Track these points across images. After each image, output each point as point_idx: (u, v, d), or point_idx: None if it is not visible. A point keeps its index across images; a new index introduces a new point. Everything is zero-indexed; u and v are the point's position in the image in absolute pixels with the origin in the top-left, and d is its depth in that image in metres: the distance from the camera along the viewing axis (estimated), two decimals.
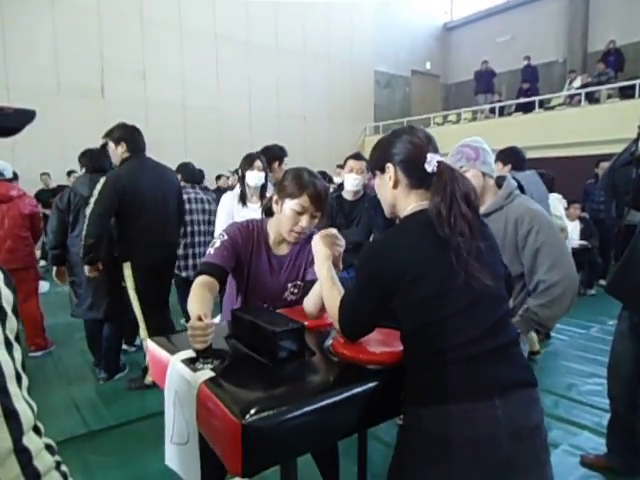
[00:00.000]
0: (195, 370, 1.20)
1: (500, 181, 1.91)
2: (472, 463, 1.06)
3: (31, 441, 0.63)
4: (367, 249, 1.24)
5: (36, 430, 0.66)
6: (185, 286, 4.09)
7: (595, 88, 9.93)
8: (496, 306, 1.16)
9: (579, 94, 10.07)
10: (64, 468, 0.70)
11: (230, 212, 3.18)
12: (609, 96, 9.77)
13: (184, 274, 4.09)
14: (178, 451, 1.28)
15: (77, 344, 4.10)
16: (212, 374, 1.17)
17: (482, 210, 1.81)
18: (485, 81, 13.06)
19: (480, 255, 1.11)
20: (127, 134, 3.10)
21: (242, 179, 3.23)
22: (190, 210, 4.07)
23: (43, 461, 0.64)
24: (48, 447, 0.67)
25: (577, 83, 10.71)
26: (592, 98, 9.98)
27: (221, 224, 3.19)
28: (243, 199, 3.20)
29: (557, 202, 4.20)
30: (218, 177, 8.56)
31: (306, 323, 1.42)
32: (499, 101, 12.13)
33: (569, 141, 9.37)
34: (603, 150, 7.27)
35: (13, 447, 0.60)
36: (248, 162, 3.20)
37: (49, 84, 9.08)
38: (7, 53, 8.63)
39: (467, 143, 1.89)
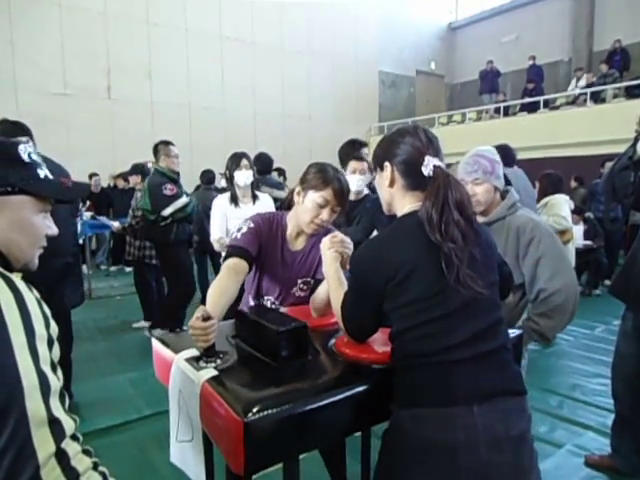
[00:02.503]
0: (198, 369, 1.21)
1: (503, 193, 1.92)
2: (450, 470, 1.05)
3: (69, 445, 0.72)
4: (359, 255, 1.23)
5: (75, 438, 0.75)
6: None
7: (601, 88, 9.88)
8: (487, 312, 1.14)
9: (585, 94, 10.03)
10: (102, 468, 0.78)
11: (224, 214, 3.19)
12: (615, 96, 9.71)
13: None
14: (183, 449, 1.29)
15: (78, 342, 4.14)
16: (215, 373, 1.18)
17: (485, 219, 1.85)
18: (490, 81, 13.02)
19: (473, 262, 1.10)
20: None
21: (231, 180, 3.23)
22: None
23: (81, 462, 0.73)
24: (85, 451, 0.76)
25: (583, 82, 10.66)
26: (598, 98, 9.93)
27: (216, 227, 3.21)
28: (235, 200, 3.21)
29: (564, 202, 4.17)
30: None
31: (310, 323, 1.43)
32: (504, 101, 12.08)
33: (574, 141, 9.33)
34: (608, 150, 7.23)
35: (55, 450, 0.68)
36: (235, 162, 3.20)
37: (56, 85, 9.14)
38: (15, 54, 8.69)
39: (483, 154, 1.87)
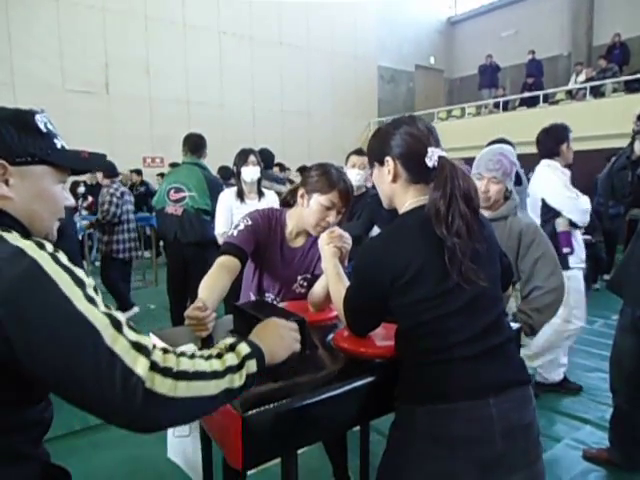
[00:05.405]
0: None
1: (507, 193, 1.99)
2: (466, 462, 1.05)
3: (154, 355, 0.75)
4: (364, 252, 1.22)
5: (154, 347, 0.77)
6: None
7: (600, 82, 9.86)
8: (492, 306, 1.15)
9: (584, 88, 9.99)
10: (184, 349, 0.82)
11: (229, 209, 3.20)
12: (614, 90, 9.69)
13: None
14: (180, 444, 1.29)
15: None
16: None
17: (490, 215, 1.90)
18: (489, 75, 12.99)
19: (476, 256, 1.09)
20: None
21: (238, 175, 3.25)
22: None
23: (169, 360, 0.76)
24: (164, 350, 0.78)
25: (582, 77, 10.63)
26: (597, 92, 9.90)
27: (221, 222, 3.22)
28: (241, 195, 3.22)
29: None
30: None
31: (308, 318, 1.43)
32: (503, 95, 12.07)
33: (574, 135, 9.28)
34: (608, 144, 7.23)
35: (150, 365, 0.72)
36: (242, 158, 3.22)
37: (54, 81, 9.11)
38: (13, 50, 8.66)
39: (507, 155, 1.91)
